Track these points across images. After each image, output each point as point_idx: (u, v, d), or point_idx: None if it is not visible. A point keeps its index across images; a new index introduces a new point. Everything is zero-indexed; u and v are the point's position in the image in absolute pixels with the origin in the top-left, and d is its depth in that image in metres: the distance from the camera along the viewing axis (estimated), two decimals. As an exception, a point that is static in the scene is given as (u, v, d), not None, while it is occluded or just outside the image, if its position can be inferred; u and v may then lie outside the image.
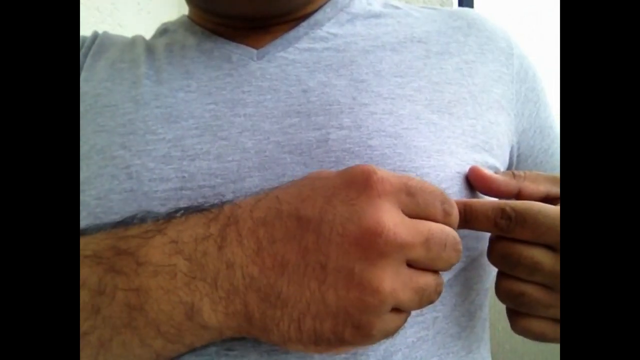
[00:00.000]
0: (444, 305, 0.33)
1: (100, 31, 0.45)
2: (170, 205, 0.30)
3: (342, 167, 0.29)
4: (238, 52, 0.37)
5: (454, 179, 0.32)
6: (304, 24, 0.38)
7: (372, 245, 0.24)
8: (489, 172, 0.32)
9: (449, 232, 0.26)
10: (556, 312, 0.29)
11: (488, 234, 0.32)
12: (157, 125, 0.33)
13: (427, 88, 0.35)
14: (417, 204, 0.26)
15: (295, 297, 0.24)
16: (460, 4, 1.16)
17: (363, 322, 0.24)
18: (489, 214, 0.28)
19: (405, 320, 0.27)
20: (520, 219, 0.28)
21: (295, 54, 0.36)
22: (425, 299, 0.26)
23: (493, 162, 0.36)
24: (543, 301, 0.28)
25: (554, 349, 1.00)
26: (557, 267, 0.27)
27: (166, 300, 0.25)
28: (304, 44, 0.37)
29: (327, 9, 0.39)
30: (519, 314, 0.30)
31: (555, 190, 0.32)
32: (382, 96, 0.33)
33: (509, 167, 0.41)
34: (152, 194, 0.30)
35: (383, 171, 0.26)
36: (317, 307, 0.24)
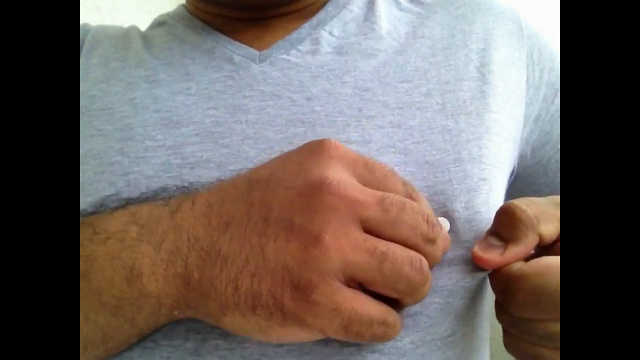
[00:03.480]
0: (472, 318, 0.31)
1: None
2: None
3: None
4: (239, 53, 0.36)
5: (479, 188, 0.30)
6: (307, 24, 0.37)
7: (316, 194, 0.23)
8: (500, 257, 0.26)
9: (408, 201, 0.24)
10: None
11: None
12: (157, 130, 0.32)
13: (436, 90, 0.33)
14: (374, 177, 0.25)
15: (235, 252, 0.23)
16: None
17: (303, 279, 0.22)
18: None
19: (379, 313, 0.23)
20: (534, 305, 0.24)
21: (297, 57, 0.35)
22: (392, 270, 0.22)
23: (513, 161, 0.35)
24: None
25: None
26: None
27: (110, 266, 0.25)
28: (306, 46, 0.36)
29: (329, 7, 0.38)
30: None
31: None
32: (389, 106, 0.32)
33: (521, 158, 0.39)
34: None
35: (342, 144, 0.26)
36: (255, 262, 0.23)
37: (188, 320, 0.28)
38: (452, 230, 0.29)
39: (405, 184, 0.26)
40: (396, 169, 0.29)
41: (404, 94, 0.33)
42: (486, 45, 0.36)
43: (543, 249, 0.28)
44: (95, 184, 0.31)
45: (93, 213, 0.30)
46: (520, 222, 0.26)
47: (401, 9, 0.39)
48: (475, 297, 0.32)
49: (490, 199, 0.31)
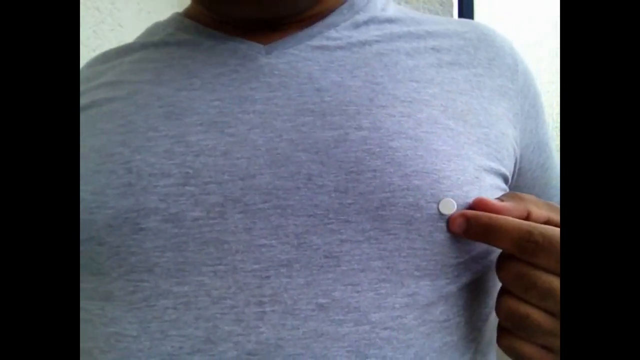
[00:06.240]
0: (466, 310, 0.33)
1: (99, 33, 0.44)
2: (171, 201, 0.30)
3: (362, 167, 0.30)
4: (243, 47, 0.36)
5: (474, 183, 0.32)
6: (319, 24, 0.37)
7: None
8: (497, 203, 0.30)
9: None
10: (553, 341, 0.28)
11: None
12: (159, 122, 0.32)
13: (441, 95, 0.34)
14: None
15: None
16: (460, 3, 1.16)
17: None
18: (513, 235, 0.28)
19: None
20: (547, 245, 0.26)
21: (306, 52, 0.35)
22: None
23: (504, 172, 0.36)
24: (545, 328, 0.27)
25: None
26: None
27: None
28: (316, 42, 0.36)
29: (344, 10, 0.39)
30: (511, 332, 0.30)
31: (555, 216, 0.31)
32: (399, 99, 0.33)
33: (510, 180, 0.41)
34: (151, 189, 0.30)
35: None
36: None
37: (196, 307, 0.29)
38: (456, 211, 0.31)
39: None
40: (407, 153, 0.31)
41: (413, 91, 0.34)
42: (484, 72, 0.38)
43: None
44: (95, 174, 0.31)
45: (93, 202, 0.30)
46: (517, 195, 0.32)
47: (412, 21, 0.40)
48: (468, 289, 0.33)
49: (482, 195, 0.32)
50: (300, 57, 0.35)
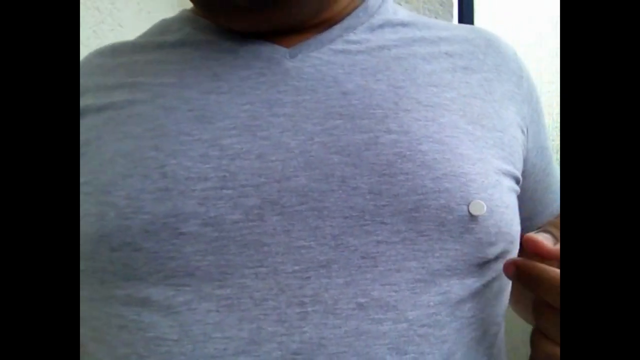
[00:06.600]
0: (489, 306, 0.34)
1: (99, 33, 0.43)
2: (210, 205, 0.30)
3: (394, 170, 0.31)
4: (266, 50, 0.36)
5: (496, 186, 0.33)
6: (337, 26, 0.38)
7: None
8: (549, 247, 0.29)
9: None
10: None
11: (519, 235, 0.33)
12: (191, 127, 0.32)
13: (458, 99, 0.35)
14: None
15: None
16: (460, 3, 1.16)
17: None
18: (553, 283, 0.27)
19: None
20: None
21: (330, 55, 0.36)
22: None
23: (517, 175, 0.37)
24: None
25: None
26: None
27: None
28: (338, 45, 0.37)
29: (360, 13, 0.39)
30: None
31: None
32: (422, 103, 0.34)
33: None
34: (189, 193, 0.30)
35: None
36: None
37: (239, 309, 0.29)
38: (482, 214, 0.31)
39: None
40: (436, 156, 0.31)
41: (433, 96, 0.35)
42: (494, 77, 0.39)
43: None
44: (127, 178, 0.31)
45: (127, 207, 0.30)
46: None
47: (424, 25, 0.41)
48: (490, 287, 0.34)
49: (503, 197, 0.33)
50: (324, 60, 0.35)
